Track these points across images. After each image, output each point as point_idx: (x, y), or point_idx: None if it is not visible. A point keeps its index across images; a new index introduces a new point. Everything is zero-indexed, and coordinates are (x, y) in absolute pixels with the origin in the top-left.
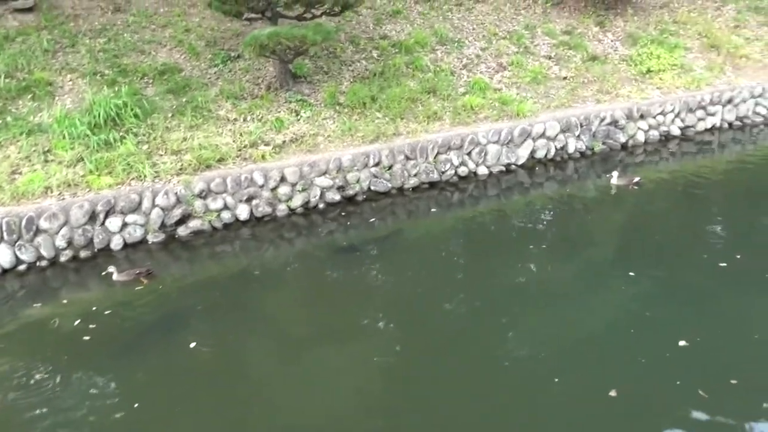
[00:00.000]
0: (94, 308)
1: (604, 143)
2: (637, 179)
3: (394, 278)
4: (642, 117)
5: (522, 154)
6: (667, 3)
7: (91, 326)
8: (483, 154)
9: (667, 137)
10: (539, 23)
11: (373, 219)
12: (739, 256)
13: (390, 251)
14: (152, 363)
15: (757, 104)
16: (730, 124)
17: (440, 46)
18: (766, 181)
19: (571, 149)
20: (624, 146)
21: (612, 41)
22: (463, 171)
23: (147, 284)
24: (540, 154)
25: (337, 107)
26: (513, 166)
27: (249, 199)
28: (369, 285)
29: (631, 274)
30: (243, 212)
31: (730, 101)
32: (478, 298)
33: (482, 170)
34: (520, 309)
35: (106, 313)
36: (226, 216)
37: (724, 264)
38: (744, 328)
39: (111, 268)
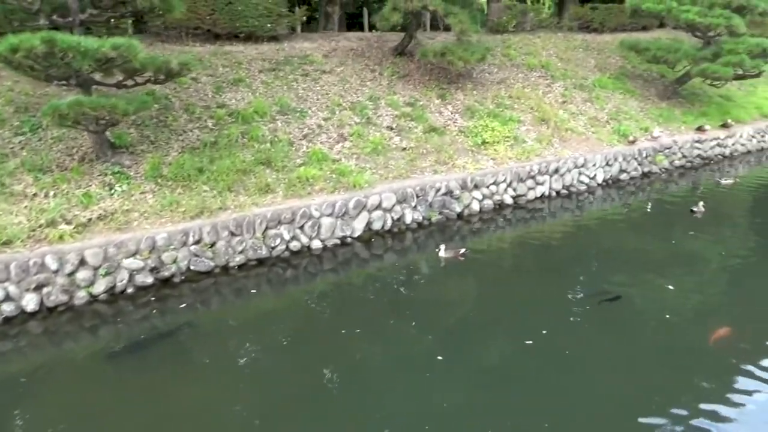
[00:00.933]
0: None
1: (440, 213)
2: (462, 251)
3: (189, 377)
4: (476, 187)
5: (358, 227)
6: (504, 79)
7: None
8: (316, 227)
9: (500, 206)
10: (384, 95)
11: (183, 305)
12: (545, 332)
13: (190, 342)
14: None
15: (580, 174)
16: (558, 193)
17: (281, 115)
18: (586, 246)
19: (408, 220)
20: (460, 215)
21: (452, 113)
22: (295, 246)
23: None
24: (377, 226)
25: (160, 180)
26: (349, 239)
27: (39, 287)
28: (157, 389)
29: (439, 358)
30: (30, 303)
31: (556, 171)
32: (273, 397)
33: (316, 244)
34: (313, 409)
35: None
36: (7, 308)
37: (530, 342)
38: (535, 416)
39: None
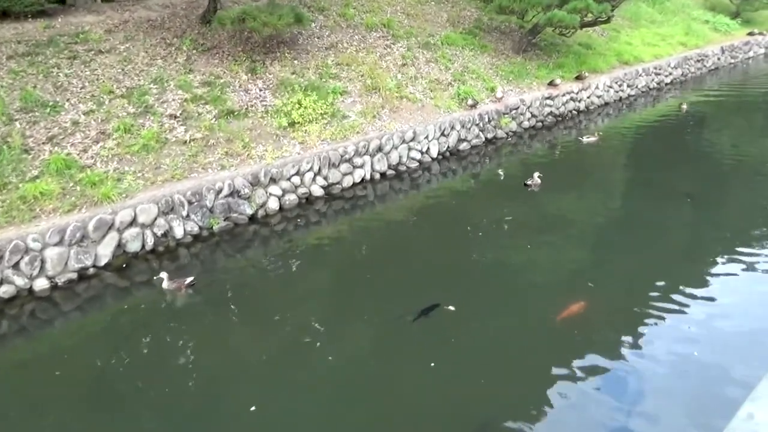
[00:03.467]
0: None
1: (226, 218)
2: (189, 280)
3: None
4: (274, 181)
5: (104, 252)
6: (336, 43)
7: None
8: (39, 262)
9: (308, 199)
10: (176, 75)
11: None
12: (263, 397)
13: None
14: None
15: (410, 149)
16: (383, 174)
17: (24, 114)
18: (412, 237)
19: (178, 233)
20: (253, 218)
21: (261, 90)
22: (7, 291)
23: None
24: (133, 247)
25: None
26: (92, 270)
27: None
28: None
29: None
30: None
31: (380, 149)
32: None
33: (41, 284)
34: None
35: None
36: None
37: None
38: None
39: None
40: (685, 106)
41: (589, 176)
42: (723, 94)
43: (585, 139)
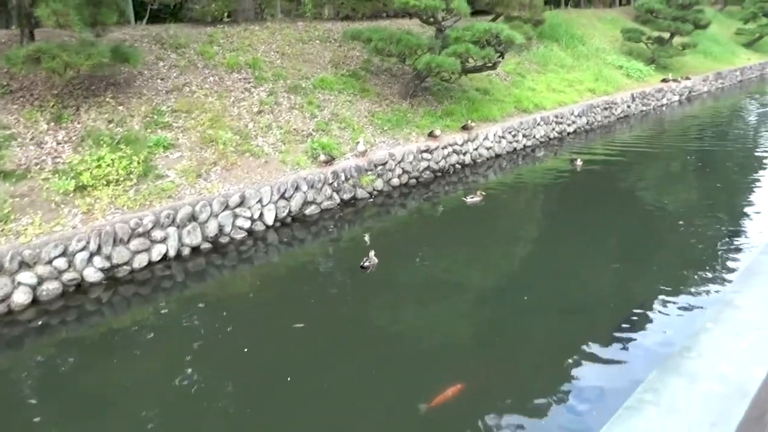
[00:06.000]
0: None
1: None
2: None
3: None
4: (26, 266)
5: None
6: (184, 85)
7: None
8: None
9: (80, 286)
10: None
11: None
12: None
13: None
14: None
15: (236, 216)
16: (196, 249)
17: None
18: (209, 338)
19: None
20: None
21: (60, 143)
22: None
23: None
24: None
25: None
26: None
27: None
28: None
29: None
30: None
31: (193, 218)
32: None
33: None
34: None
35: None
36: None
37: None
38: None
39: None
40: (579, 162)
41: (459, 242)
42: (629, 146)
43: (469, 200)
